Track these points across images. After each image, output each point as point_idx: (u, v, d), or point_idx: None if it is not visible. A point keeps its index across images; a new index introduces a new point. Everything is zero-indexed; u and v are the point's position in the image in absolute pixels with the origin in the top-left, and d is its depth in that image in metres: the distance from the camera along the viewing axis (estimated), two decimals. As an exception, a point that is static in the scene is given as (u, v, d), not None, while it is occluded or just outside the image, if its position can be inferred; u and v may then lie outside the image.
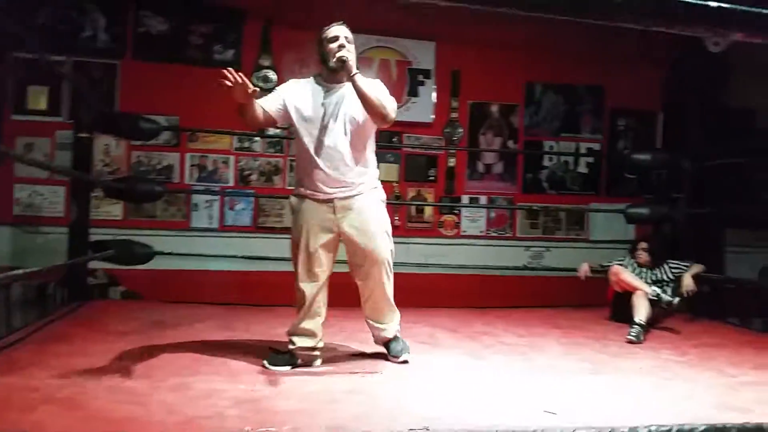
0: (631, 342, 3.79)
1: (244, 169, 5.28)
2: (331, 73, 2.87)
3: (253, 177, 5.29)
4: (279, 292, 4.65)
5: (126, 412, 2.17)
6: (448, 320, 4.31)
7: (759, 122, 5.79)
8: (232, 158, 5.26)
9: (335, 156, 2.84)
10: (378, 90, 2.81)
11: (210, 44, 5.19)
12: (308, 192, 2.89)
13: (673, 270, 4.55)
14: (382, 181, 3.14)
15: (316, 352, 2.97)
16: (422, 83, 5.47)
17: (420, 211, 5.51)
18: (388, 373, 2.91)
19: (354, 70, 2.74)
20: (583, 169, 5.84)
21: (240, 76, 2.56)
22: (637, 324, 3.93)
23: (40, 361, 2.78)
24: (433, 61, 5.47)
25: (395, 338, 3.15)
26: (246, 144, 5.28)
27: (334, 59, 2.77)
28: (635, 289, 4.21)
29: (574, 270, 4.69)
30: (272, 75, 5.21)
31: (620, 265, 4.54)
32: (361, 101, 2.76)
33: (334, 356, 3.12)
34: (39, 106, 4.88)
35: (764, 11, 1.44)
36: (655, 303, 4.12)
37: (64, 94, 4.89)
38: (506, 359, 3.27)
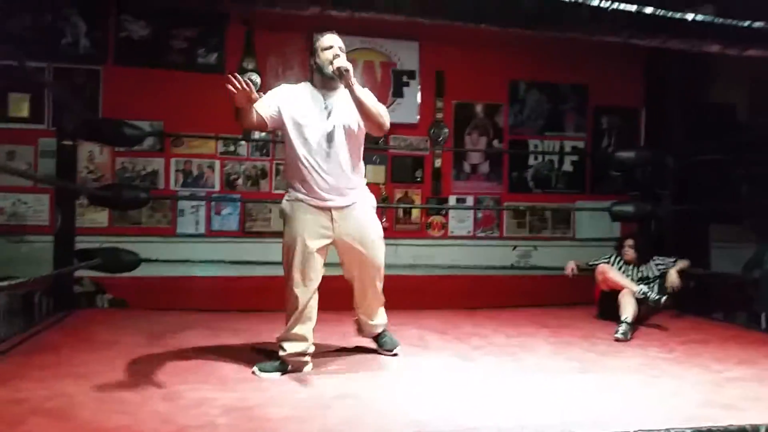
0: (618, 340, 3.83)
1: (230, 173, 5.26)
2: (325, 80, 2.91)
3: (240, 181, 5.27)
4: (267, 297, 4.64)
5: (116, 423, 2.17)
6: (437, 322, 4.32)
7: (740, 117, 5.86)
8: (217, 163, 5.23)
9: (332, 163, 2.89)
10: (374, 99, 2.87)
11: (193, 48, 5.16)
12: (304, 198, 2.90)
13: (659, 266, 4.59)
14: (369, 184, 3.21)
15: (306, 358, 2.97)
16: (407, 84, 5.48)
17: (407, 212, 5.52)
18: (378, 377, 2.92)
19: (353, 80, 2.78)
20: (568, 167, 5.88)
21: (246, 83, 2.60)
22: (624, 322, 3.97)
23: (28, 372, 2.76)
24: (417, 62, 5.48)
25: (384, 332, 3.29)
26: (232, 148, 5.25)
27: (334, 68, 2.79)
28: (622, 287, 4.25)
29: (562, 269, 4.72)
30: (256, 78, 5.19)
31: (606, 263, 4.58)
32: (360, 111, 2.81)
33: (323, 361, 3.12)
34: (21, 114, 4.82)
35: (740, 24, 1.47)
36: (641, 301, 4.16)
37: (46, 101, 4.84)
38: (496, 360, 3.28)
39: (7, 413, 2.22)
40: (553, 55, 5.46)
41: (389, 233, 5.28)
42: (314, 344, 3.01)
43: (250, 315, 4.39)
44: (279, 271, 4.92)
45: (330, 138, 2.88)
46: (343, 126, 2.90)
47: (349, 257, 3.05)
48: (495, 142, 5.72)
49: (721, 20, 1.48)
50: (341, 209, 2.94)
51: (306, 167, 2.87)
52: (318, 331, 3.04)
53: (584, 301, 4.85)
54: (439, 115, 5.56)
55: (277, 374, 2.87)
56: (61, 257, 4.35)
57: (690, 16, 1.46)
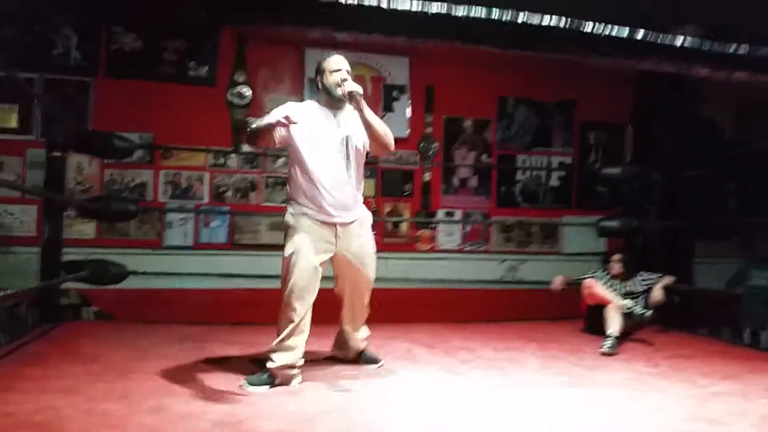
0: (605, 354, 3.86)
1: (219, 185, 5.26)
2: (332, 101, 3.00)
3: (229, 194, 5.26)
4: (255, 310, 4.64)
5: (103, 437, 2.15)
6: (425, 335, 4.33)
7: (726, 133, 5.95)
8: (206, 175, 5.23)
9: (340, 180, 2.97)
10: (381, 121, 2.98)
11: (184, 60, 5.17)
12: (311, 213, 2.96)
13: (645, 282, 4.64)
14: (359, 197, 3.23)
15: (295, 371, 2.98)
16: (397, 99, 5.52)
17: (396, 226, 5.54)
18: (366, 391, 2.92)
19: (364, 103, 2.87)
20: (555, 182, 5.94)
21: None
22: (610, 336, 4.01)
23: (14, 385, 2.73)
24: (407, 77, 5.53)
25: (366, 347, 3.38)
26: (221, 161, 5.25)
27: (345, 92, 2.87)
28: (608, 302, 4.29)
29: (549, 283, 4.76)
30: (247, 91, 5.21)
31: (593, 277, 4.62)
32: (369, 132, 2.92)
33: (311, 375, 3.11)
34: (9, 125, 4.79)
35: (727, 49, 1.52)
36: (627, 316, 4.20)
37: (35, 112, 4.82)
38: (484, 374, 3.30)
39: (-6, 427, 2.20)
40: (540, 71, 5.53)
41: (379, 246, 5.28)
42: (302, 357, 3.01)
43: (238, 328, 4.38)
44: (267, 284, 4.94)
45: (339, 155, 2.97)
46: (352, 144, 3.00)
47: (344, 271, 3.14)
48: (483, 157, 5.77)
49: (709, 45, 1.54)
50: (346, 225, 3.02)
51: (315, 183, 2.94)
52: (305, 345, 3.03)
53: (571, 315, 4.88)
54: (429, 130, 5.60)
55: (265, 387, 2.87)
56: (48, 269, 4.33)
57: (680, 41, 1.51)
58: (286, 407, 2.60)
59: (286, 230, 3.00)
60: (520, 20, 1.69)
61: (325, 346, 3.65)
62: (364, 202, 3.21)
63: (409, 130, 5.54)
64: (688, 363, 3.69)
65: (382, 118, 5.34)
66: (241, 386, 2.87)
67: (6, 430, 2.16)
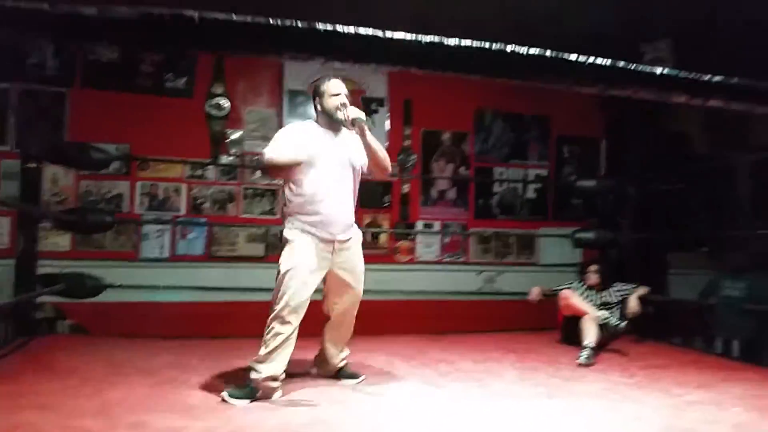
0: (582, 365, 3.91)
1: (197, 197, 5.23)
2: (331, 122, 3.10)
3: (206, 205, 5.24)
4: (233, 323, 4.62)
5: (82, 454, 2.13)
6: (404, 347, 4.34)
7: (697, 148, 6.09)
8: (183, 186, 5.20)
9: (341, 198, 3.07)
10: (381, 145, 3.11)
11: (162, 72, 5.15)
12: (312, 230, 3.02)
13: (620, 292, 4.72)
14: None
15: (278, 383, 2.98)
16: (376, 111, 5.56)
17: (375, 237, 5.56)
18: (346, 404, 2.92)
19: (366, 130, 2.98)
20: (531, 194, 6.02)
21: None
22: (586, 347, 4.06)
23: (-12, 403, 2.68)
24: (386, 90, 5.58)
25: (346, 365, 3.39)
26: (198, 172, 5.23)
27: (348, 119, 2.97)
28: (584, 313, 4.35)
29: (526, 294, 4.81)
30: (225, 103, 5.20)
31: (569, 288, 4.68)
32: (370, 156, 3.06)
33: (291, 388, 3.10)
34: (-17, 135, 4.73)
35: (703, 77, 1.58)
36: (603, 327, 4.26)
37: (10, 122, 4.75)
38: (463, 386, 3.32)
39: (-32, 445, 2.16)
40: (517, 86, 5.58)
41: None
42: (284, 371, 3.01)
43: (216, 341, 4.35)
44: (244, 297, 4.94)
45: (340, 174, 3.07)
46: (352, 164, 3.12)
47: (336, 287, 3.19)
48: (461, 169, 5.83)
49: (686, 74, 1.62)
50: (342, 242, 3.11)
51: (317, 201, 3.01)
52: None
53: (548, 326, 4.94)
54: (407, 142, 5.65)
55: (247, 401, 2.86)
56: (23, 282, 4.25)
57: (658, 71, 1.60)
58: (267, 421, 2.59)
59: (286, 245, 3.05)
60: (509, 50, 1.75)
61: (305, 360, 3.64)
62: None
63: (387, 143, 5.56)
64: (663, 373, 3.75)
65: (361, 130, 5.45)
66: (223, 400, 2.86)
67: (-19, 449, 2.12)
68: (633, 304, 4.55)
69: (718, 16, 4.17)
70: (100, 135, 4.80)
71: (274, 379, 2.95)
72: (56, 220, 4.50)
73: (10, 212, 4.65)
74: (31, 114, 4.65)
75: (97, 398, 2.83)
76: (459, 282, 5.64)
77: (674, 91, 1.65)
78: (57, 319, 4.68)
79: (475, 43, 1.87)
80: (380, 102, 5.57)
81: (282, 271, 2.98)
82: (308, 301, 3.01)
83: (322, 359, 3.41)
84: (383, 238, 5.57)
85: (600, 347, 4.24)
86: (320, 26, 1.82)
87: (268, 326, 2.96)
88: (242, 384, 2.95)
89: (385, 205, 5.60)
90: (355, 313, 3.30)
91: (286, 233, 3.06)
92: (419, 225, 5.69)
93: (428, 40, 1.83)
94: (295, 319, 2.97)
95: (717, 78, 1.69)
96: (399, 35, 1.84)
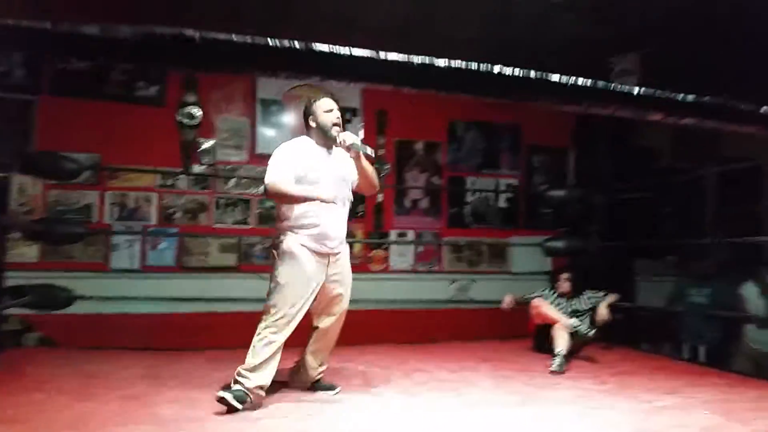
0: (554, 373, 3.97)
1: (168, 206, 5.17)
2: (324, 138, 3.16)
3: (178, 215, 5.19)
4: (205, 335, 4.58)
5: (55, 471, 2.09)
6: (380, 357, 4.35)
7: (662, 160, 6.25)
8: (154, 196, 5.14)
9: (335, 213, 3.13)
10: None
11: (133, 80, 5.10)
12: (309, 244, 3.07)
13: (590, 299, 4.80)
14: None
15: (263, 393, 2.99)
16: (349, 121, 5.56)
17: (349, 246, 5.55)
18: (324, 415, 2.92)
19: (360, 152, 3.05)
20: (503, 203, 6.09)
21: None
22: (558, 355, 4.12)
23: (-46, 419, 2.61)
24: (360, 101, 5.60)
25: (322, 377, 3.40)
26: (170, 181, 5.17)
27: (343, 143, 3.04)
28: (555, 321, 4.41)
29: (499, 302, 4.86)
30: (197, 112, 5.15)
31: (541, 296, 4.75)
32: (361, 174, 3.16)
33: (269, 401, 3.08)
34: (-53, 144, 4.61)
35: (677, 97, 1.64)
36: (573, 334, 4.33)
37: (-25, 131, 4.66)
38: (439, 395, 3.34)
39: (-65, 463, 2.10)
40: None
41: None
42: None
43: (188, 353, 4.30)
44: (216, 307, 4.90)
45: (337, 189, 3.10)
46: (342, 178, 3.19)
47: (327, 297, 3.22)
48: (435, 179, 5.87)
49: (661, 93, 1.70)
50: (336, 255, 3.18)
51: (314, 216, 3.06)
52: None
53: (520, 334, 4.99)
54: (381, 152, 5.67)
55: (241, 405, 2.86)
56: (-11, 294, 4.14)
57: (636, 90, 1.67)
58: (244, 434, 2.57)
59: (283, 257, 3.06)
60: (495, 71, 1.79)
61: (282, 372, 3.63)
62: None
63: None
64: (632, 379, 3.83)
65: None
66: (222, 399, 2.83)
67: (-51, 467, 2.07)
68: (603, 312, 4.62)
69: (683, 30, 4.30)
70: (70, 144, 4.73)
71: (263, 388, 2.97)
72: (24, 230, 4.40)
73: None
74: (-3, 123, 4.57)
75: (68, 411, 2.78)
76: (433, 291, 5.67)
77: (651, 110, 1.72)
78: (23, 332, 4.56)
79: (455, 63, 1.91)
80: (354, 112, 5.58)
81: (281, 283, 3.02)
82: (304, 313, 3.06)
83: (299, 370, 3.39)
84: (357, 247, 5.57)
85: (571, 354, 4.31)
86: (317, 47, 1.82)
87: (259, 335, 2.98)
88: (236, 389, 2.91)
89: (359, 214, 5.60)
90: (341, 323, 3.34)
91: (284, 246, 3.08)
92: (393, 234, 5.72)
93: (410, 60, 1.86)
94: (288, 330, 3.00)
95: (690, 97, 1.78)
96: (364, 53, 1.86)
